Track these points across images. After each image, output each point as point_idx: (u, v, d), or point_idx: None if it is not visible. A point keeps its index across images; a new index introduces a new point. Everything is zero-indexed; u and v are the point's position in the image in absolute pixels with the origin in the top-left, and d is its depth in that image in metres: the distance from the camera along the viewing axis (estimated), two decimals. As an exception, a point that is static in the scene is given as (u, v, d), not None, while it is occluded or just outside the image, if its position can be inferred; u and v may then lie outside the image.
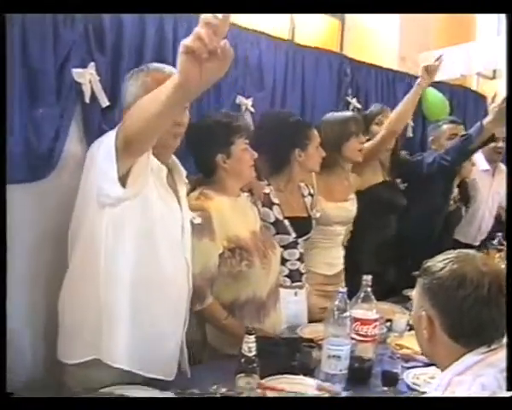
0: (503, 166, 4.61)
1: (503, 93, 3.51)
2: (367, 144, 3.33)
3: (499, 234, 3.91)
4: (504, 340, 1.52)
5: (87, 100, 2.35)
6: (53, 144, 2.31)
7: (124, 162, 1.84)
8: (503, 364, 1.45)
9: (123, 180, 1.86)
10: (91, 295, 2.00)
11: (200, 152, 2.50)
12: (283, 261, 2.83)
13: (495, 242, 3.90)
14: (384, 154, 3.59)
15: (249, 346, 1.93)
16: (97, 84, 2.36)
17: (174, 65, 2.46)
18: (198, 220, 2.34)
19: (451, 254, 1.60)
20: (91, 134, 2.40)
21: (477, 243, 4.20)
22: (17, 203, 2.26)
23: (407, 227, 3.65)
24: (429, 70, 3.48)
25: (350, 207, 3.25)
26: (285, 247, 2.83)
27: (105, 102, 2.41)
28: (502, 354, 1.48)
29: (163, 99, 1.58)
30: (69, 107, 2.34)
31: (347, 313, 2.24)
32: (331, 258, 3.21)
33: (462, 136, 3.61)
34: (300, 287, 2.93)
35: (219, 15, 1.33)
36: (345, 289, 2.28)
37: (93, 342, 2.01)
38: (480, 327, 1.50)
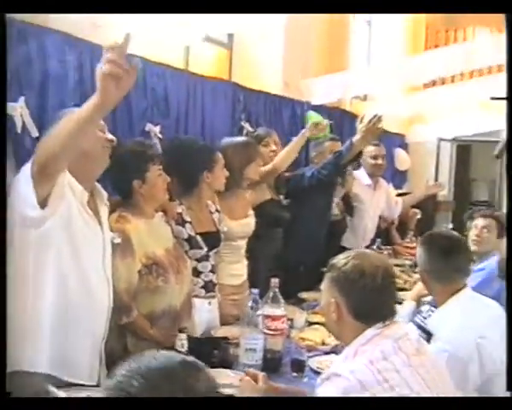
0: (382, 181, 5.16)
1: (370, 114, 3.97)
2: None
3: (378, 239, 4.43)
4: (395, 316, 1.94)
5: (18, 131, 2.54)
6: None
7: (41, 186, 2.04)
8: (397, 335, 1.86)
9: (42, 203, 2.07)
10: (19, 308, 2.17)
11: (117, 178, 2.68)
12: (198, 274, 3.07)
13: (375, 246, 4.41)
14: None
15: (182, 342, 2.22)
16: (27, 116, 2.56)
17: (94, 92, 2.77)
18: (118, 240, 2.53)
19: (352, 252, 1.99)
20: (23, 164, 2.59)
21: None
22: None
23: (295, 237, 4.00)
24: (318, 127, 4.04)
25: (250, 222, 3.55)
26: (198, 260, 3.08)
27: (35, 133, 2.61)
28: (394, 328, 1.89)
29: (83, 117, 1.88)
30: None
31: (259, 312, 2.60)
32: (235, 270, 3.48)
33: (335, 152, 4.03)
34: (213, 296, 3.17)
35: (119, 40, 1.70)
36: (257, 290, 2.63)
37: (15, 354, 2.15)
38: (377, 308, 1.89)
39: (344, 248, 4.41)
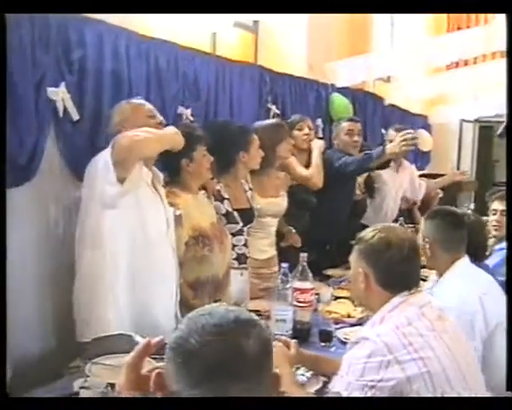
0: (405, 162, 5.22)
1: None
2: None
3: (401, 218, 4.52)
4: (419, 286, 2.06)
5: (60, 115, 2.69)
6: (32, 155, 2.64)
7: (120, 170, 2.44)
8: (421, 303, 1.98)
9: (121, 181, 2.43)
10: (98, 278, 2.51)
11: (167, 158, 2.86)
12: (232, 247, 3.27)
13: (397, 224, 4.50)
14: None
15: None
16: (69, 101, 2.71)
17: (129, 80, 2.91)
18: (178, 212, 2.80)
19: (378, 226, 2.12)
20: (65, 145, 2.77)
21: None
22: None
23: (321, 218, 4.09)
24: None
25: (281, 202, 3.71)
26: (233, 234, 3.28)
27: (76, 116, 2.77)
28: (418, 296, 2.02)
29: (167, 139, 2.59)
30: (45, 122, 2.68)
31: (289, 285, 2.74)
32: (263, 245, 3.63)
33: (365, 154, 4.12)
34: (245, 268, 3.40)
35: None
36: (286, 264, 2.77)
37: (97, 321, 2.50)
38: (403, 278, 2.02)
39: (365, 227, 4.53)
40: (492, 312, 2.54)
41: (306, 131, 4.14)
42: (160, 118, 2.75)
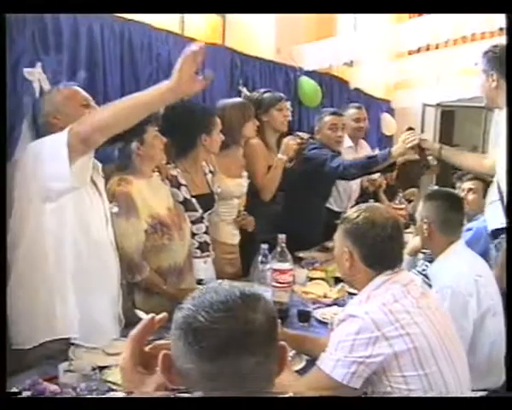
0: (363, 143, 5.27)
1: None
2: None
3: (370, 200, 4.56)
4: (402, 265, 2.11)
5: (37, 95, 2.64)
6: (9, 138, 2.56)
7: (76, 156, 2.15)
8: (405, 281, 2.03)
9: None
10: (40, 283, 2.32)
11: (116, 142, 2.65)
12: (193, 235, 3.17)
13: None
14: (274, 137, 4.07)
15: (200, 294, 2.36)
16: (45, 81, 2.65)
17: (103, 61, 2.87)
18: (115, 209, 2.65)
19: (363, 206, 2.16)
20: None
21: (347, 210, 4.79)
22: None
23: (295, 201, 4.14)
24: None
25: (244, 183, 3.68)
26: (193, 222, 3.16)
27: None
28: (402, 275, 2.07)
29: (152, 97, 2.08)
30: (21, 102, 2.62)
31: (268, 266, 2.76)
32: (233, 229, 3.62)
33: (370, 157, 4.04)
34: (208, 256, 3.30)
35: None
36: (266, 246, 2.79)
37: (45, 325, 2.33)
38: (386, 256, 2.07)
39: (331, 211, 4.61)
40: (485, 295, 2.60)
41: (286, 113, 4.06)
42: (96, 106, 2.51)
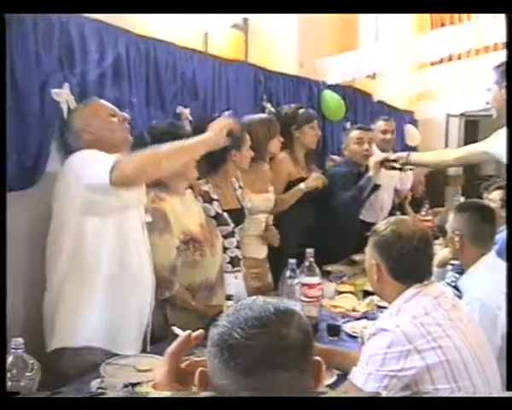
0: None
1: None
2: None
3: (398, 213, 4.56)
4: (432, 277, 2.10)
5: (65, 116, 2.68)
6: (37, 157, 2.63)
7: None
8: (435, 293, 2.02)
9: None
10: (80, 291, 2.41)
11: None
12: (224, 250, 3.19)
13: None
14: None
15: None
16: (73, 102, 2.70)
17: (129, 80, 2.91)
18: (149, 219, 2.69)
19: (392, 219, 2.16)
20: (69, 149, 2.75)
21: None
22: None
23: (322, 216, 4.13)
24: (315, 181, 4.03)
25: (271, 198, 3.70)
26: (225, 236, 3.20)
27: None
28: (432, 287, 2.06)
29: (191, 148, 2.45)
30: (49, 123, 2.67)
31: (296, 280, 2.76)
32: (260, 243, 3.64)
33: (355, 188, 4.17)
34: (239, 271, 3.32)
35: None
36: (294, 260, 2.79)
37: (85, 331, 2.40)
38: (414, 269, 2.06)
39: (364, 222, 4.55)
40: None
41: (318, 131, 4.14)
42: (123, 114, 2.62)
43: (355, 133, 4.39)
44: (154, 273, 2.64)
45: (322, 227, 4.07)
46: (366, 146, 4.35)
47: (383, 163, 4.02)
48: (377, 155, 4.12)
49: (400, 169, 4.03)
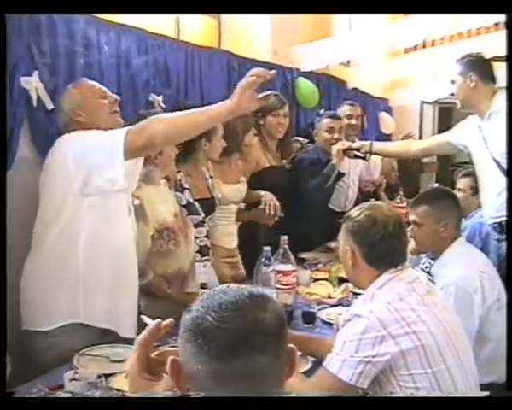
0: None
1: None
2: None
3: (372, 199, 4.55)
4: (406, 262, 2.10)
5: (34, 104, 2.63)
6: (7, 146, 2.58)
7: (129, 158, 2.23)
8: (409, 278, 2.02)
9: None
10: (67, 269, 2.36)
11: None
12: (194, 239, 3.14)
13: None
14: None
15: (204, 297, 2.35)
16: (42, 90, 2.65)
17: (100, 68, 2.87)
18: (137, 202, 2.68)
19: (365, 204, 2.15)
20: (39, 136, 2.70)
21: (347, 210, 4.77)
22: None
23: (293, 204, 4.07)
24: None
25: (242, 188, 3.67)
26: (195, 226, 3.15)
27: (50, 106, 2.71)
28: (406, 272, 2.05)
29: (213, 115, 2.26)
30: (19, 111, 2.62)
31: (271, 268, 2.74)
32: (230, 233, 3.63)
33: (322, 174, 4.10)
34: (208, 260, 3.29)
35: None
36: (268, 248, 2.77)
37: (69, 308, 2.36)
38: (389, 254, 2.05)
39: (332, 211, 4.55)
40: (489, 289, 2.61)
41: (281, 120, 4.02)
42: (114, 96, 2.56)
43: (326, 121, 4.35)
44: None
45: (293, 215, 4.03)
46: (336, 135, 4.30)
47: (346, 151, 4.01)
48: (340, 143, 4.09)
49: (363, 158, 4.04)
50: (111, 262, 2.43)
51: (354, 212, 2.12)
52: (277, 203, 3.64)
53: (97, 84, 2.55)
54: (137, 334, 1.40)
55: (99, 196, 2.34)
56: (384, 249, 2.05)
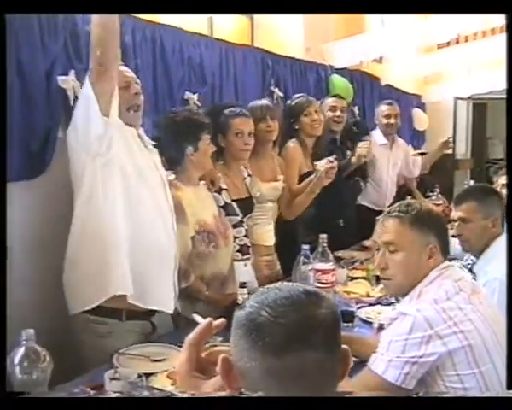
0: (399, 140, 5.21)
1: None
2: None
3: (408, 196, 4.50)
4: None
5: (71, 103, 2.63)
6: (45, 144, 2.60)
7: (102, 89, 2.23)
8: (456, 276, 1.98)
9: (105, 112, 2.26)
10: (98, 242, 2.36)
11: (171, 145, 2.76)
12: (233, 239, 3.11)
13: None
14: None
15: (244, 297, 2.32)
16: (79, 89, 2.64)
17: (136, 66, 2.87)
18: (172, 177, 2.69)
19: (405, 201, 2.13)
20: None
21: (386, 208, 4.73)
22: (15, 200, 2.53)
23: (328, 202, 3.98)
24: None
25: (279, 186, 3.62)
26: (234, 226, 3.11)
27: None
28: (452, 270, 2.01)
29: None
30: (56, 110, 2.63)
31: (310, 266, 2.72)
32: (269, 231, 3.57)
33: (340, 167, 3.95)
34: (249, 258, 3.25)
35: None
36: (307, 246, 2.75)
37: (103, 284, 2.36)
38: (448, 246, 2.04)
39: (370, 209, 4.64)
40: None
41: (315, 116, 3.92)
42: (137, 88, 2.53)
43: (329, 100, 4.37)
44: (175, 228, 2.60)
45: (329, 213, 4.01)
46: (338, 113, 4.32)
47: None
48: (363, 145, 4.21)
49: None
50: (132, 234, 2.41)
51: (414, 206, 2.04)
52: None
53: (128, 70, 2.56)
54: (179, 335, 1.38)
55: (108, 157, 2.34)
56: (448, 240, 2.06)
